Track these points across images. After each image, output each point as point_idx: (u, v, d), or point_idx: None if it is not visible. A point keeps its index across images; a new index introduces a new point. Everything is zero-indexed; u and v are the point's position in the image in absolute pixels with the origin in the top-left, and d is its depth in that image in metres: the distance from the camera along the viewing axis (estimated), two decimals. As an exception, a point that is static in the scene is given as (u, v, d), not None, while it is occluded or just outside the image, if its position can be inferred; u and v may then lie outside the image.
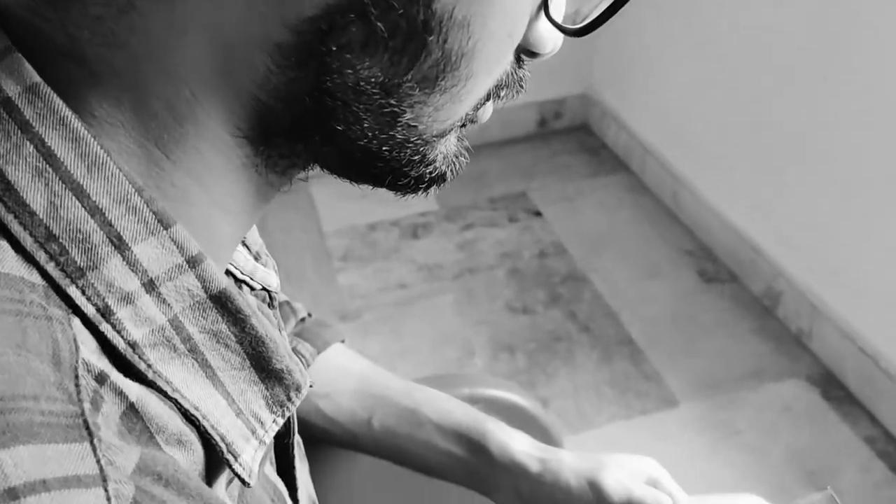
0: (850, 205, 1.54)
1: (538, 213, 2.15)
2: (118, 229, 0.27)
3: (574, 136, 2.49)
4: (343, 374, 0.65)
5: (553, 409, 1.57)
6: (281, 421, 0.33)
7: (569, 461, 0.57)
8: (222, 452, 0.30)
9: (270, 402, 0.32)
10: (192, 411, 0.29)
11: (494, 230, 2.10)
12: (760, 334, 1.73)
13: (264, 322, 0.31)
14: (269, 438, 0.33)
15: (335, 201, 2.22)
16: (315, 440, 0.61)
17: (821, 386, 1.59)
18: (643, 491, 0.55)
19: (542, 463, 0.57)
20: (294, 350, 0.60)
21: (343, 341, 0.68)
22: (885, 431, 1.47)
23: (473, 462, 0.59)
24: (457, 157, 0.35)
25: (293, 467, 0.47)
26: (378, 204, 2.22)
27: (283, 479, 0.45)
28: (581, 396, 1.61)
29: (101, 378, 0.26)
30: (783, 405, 1.56)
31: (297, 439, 0.51)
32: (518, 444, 0.58)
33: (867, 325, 1.52)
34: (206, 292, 0.29)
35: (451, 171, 0.35)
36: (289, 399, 0.33)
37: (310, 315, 0.65)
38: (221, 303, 0.30)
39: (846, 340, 1.56)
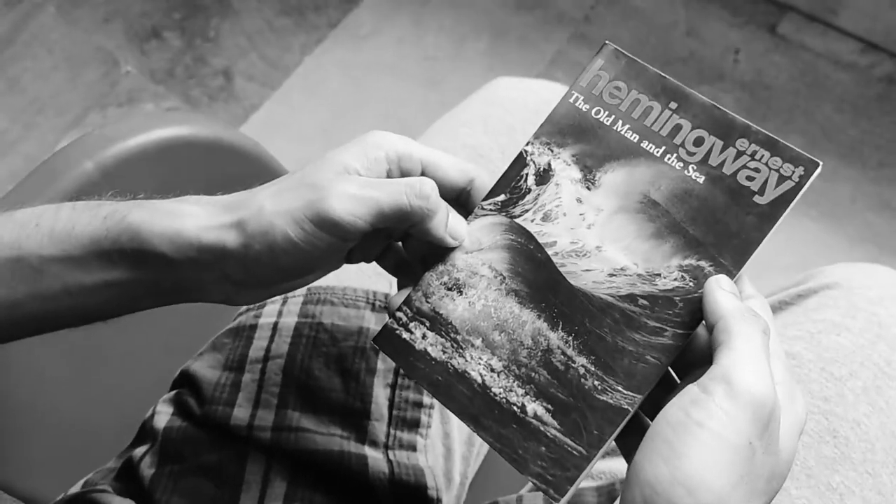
0: None
1: None
2: None
3: None
4: None
5: (240, 73, 1.32)
6: None
7: (272, 206, 0.37)
8: None
9: None
10: None
11: None
12: None
13: None
14: None
15: None
16: None
17: None
18: (390, 189, 0.37)
19: (238, 228, 0.37)
20: None
21: None
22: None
23: (144, 277, 0.38)
24: None
25: None
26: None
27: None
28: (260, 43, 1.36)
29: None
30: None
31: None
32: (192, 221, 0.37)
33: None
34: None
35: None
36: None
37: None
38: None
39: None
